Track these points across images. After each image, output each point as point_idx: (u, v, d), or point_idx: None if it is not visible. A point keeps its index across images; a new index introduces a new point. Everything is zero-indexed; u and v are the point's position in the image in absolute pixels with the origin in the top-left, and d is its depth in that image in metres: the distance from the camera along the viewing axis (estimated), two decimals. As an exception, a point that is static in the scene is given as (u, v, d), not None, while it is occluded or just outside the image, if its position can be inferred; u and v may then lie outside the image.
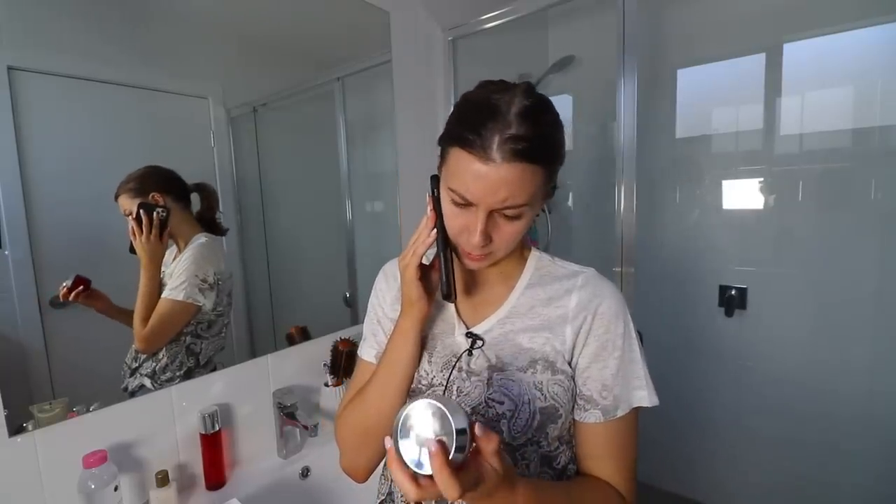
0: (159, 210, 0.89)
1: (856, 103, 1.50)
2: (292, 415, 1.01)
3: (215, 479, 0.93)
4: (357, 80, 1.33)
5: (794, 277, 1.62)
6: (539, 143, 0.49)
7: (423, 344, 0.63)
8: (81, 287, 0.80)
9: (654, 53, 1.80)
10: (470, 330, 0.62)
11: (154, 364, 0.91)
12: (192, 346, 0.96)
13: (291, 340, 1.15)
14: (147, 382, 0.90)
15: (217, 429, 0.92)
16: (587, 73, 1.93)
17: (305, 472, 1.02)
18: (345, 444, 0.66)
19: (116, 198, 0.85)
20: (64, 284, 0.79)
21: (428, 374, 0.62)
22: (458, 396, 0.59)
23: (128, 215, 0.86)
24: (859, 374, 1.53)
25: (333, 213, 1.34)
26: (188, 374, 0.95)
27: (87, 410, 0.81)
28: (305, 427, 0.98)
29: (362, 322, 1.32)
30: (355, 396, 0.65)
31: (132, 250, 0.87)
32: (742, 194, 1.70)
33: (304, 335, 1.18)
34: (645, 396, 0.59)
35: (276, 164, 1.15)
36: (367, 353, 0.70)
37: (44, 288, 0.77)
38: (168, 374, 0.92)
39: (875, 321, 1.50)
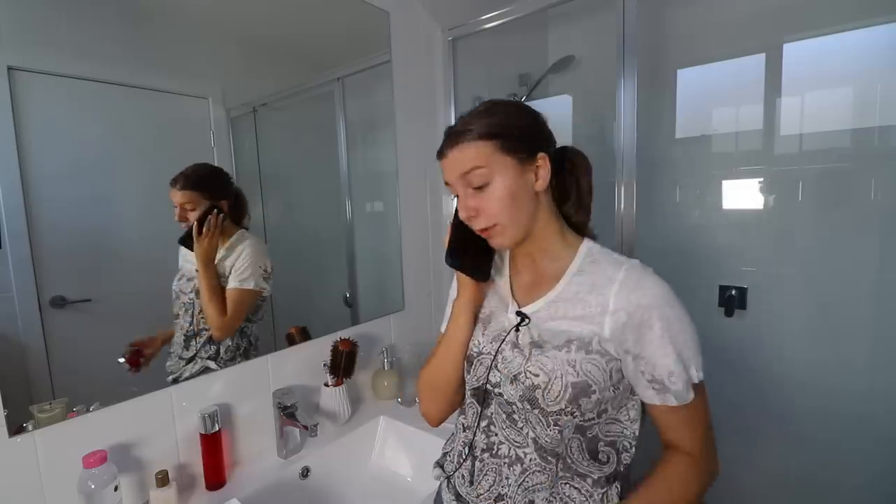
0: (223, 214, 0.98)
1: (855, 103, 1.50)
2: (292, 415, 1.01)
3: (215, 479, 0.93)
4: (357, 80, 1.33)
5: (794, 277, 1.62)
6: (472, 125, 0.64)
7: (477, 318, 0.76)
8: (141, 357, 0.88)
9: (654, 53, 1.80)
10: (520, 309, 0.70)
11: (216, 347, 1.00)
12: (245, 329, 1.06)
13: (291, 340, 1.15)
14: (211, 364, 0.99)
15: (217, 429, 0.92)
16: (587, 73, 1.93)
17: (305, 472, 1.02)
18: (421, 396, 0.81)
19: (177, 186, 0.93)
20: (122, 360, 0.87)
21: (479, 344, 0.73)
22: (502, 364, 0.69)
23: (187, 208, 0.94)
24: (859, 373, 1.53)
25: (333, 213, 1.34)
26: (246, 355, 1.05)
27: (87, 410, 0.81)
28: (305, 427, 0.98)
29: (362, 322, 1.33)
30: (429, 359, 0.79)
31: (184, 243, 0.95)
32: (742, 194, 1.70)
33: (304, 335, 1.18)
34: (700, 374, 0.64)
35: (276, 164, 1.15)
36: (443, 325, 0.81)
37: (44, 288, 0.77)
38: (230, 355, 1.02)
39: (875, 321, 1.50)
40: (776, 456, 1.69)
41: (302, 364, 1.15)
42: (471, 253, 0.70)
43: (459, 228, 0.70)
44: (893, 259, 1.45)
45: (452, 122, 1.57)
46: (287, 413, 1.01)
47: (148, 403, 0.88)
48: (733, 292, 1.71)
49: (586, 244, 0.71)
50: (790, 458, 1.66)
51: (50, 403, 0.77)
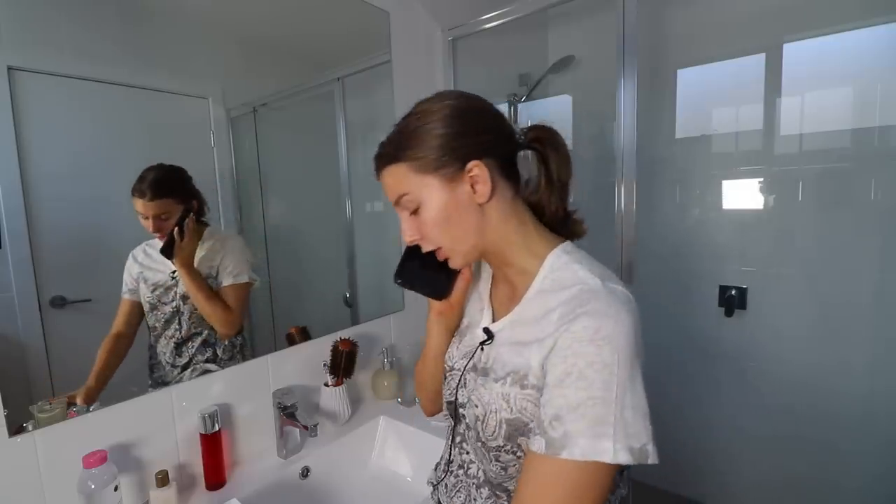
0: (192, 214, 0.95)
1: (855, 103, 1.50)
2: (292, 415, 1.01)
3: (215, 479, 0.93)
4: (357, 80, 1.33)
5: (794, 277, 1.62)
6: (387, 146, 0.60)
7: (456, 328, 0.73)
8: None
9: (654, 53, 1.80)
10: (488, 326, 0.64)
11: (212, 349, 0.99)
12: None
13: (291, 340, 1.15)
14: (211, 367, 0.99)
15: (217, 429, 0.92)
16: (587, 73, 1.93)
17: (305, 472, 1.02)
18: (415, 389, 0.81)
19: (146, 197, 0.88)
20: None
21: (452, 358, 0.70)
22: (464, 388, 0.65)
23: (162, 218, 0.90)
24: (859, 373, 1.53)
25: (333, 213, 1.34)
26: (243, 352, 1.05)
27: (87, 410, 0.81)
28: (305, 427, 0.98)
29: (362, 322, 1.33)
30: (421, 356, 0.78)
31: (167, 252, 0.91)
32: (742, 194, 1.70)
33: (304, 335, 1.18)
34: (608, 450, 0.46)
35: (277, 164, 1.15)
36: None
37: (44, 288, 0.77)
38: (229, 354, 1.02)
39: (875, 321, 1.50)
40: (776, 457, 1.69)
41: (302, 364, 1.15)
42: (428, 269, 0.65)
43: (412, 247, 0.65)
44: (893, 259, 1.45)
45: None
46: (287, 413, 1.01)
47: (148, 403, 0.88)
48: (733, 292, 1.71)
49: (553, 255, 0.59)
50: (790, 459, 1.66)
51: (50, 403, 0.77)
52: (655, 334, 1.48)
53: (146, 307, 0.92)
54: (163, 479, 0.82)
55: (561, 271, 0.58)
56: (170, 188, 0.91)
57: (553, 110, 2.01)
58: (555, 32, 2.09)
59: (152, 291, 0.92)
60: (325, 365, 1.14)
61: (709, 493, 1.84)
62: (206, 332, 0.98)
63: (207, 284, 0.98)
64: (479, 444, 0.60)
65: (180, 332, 0.95)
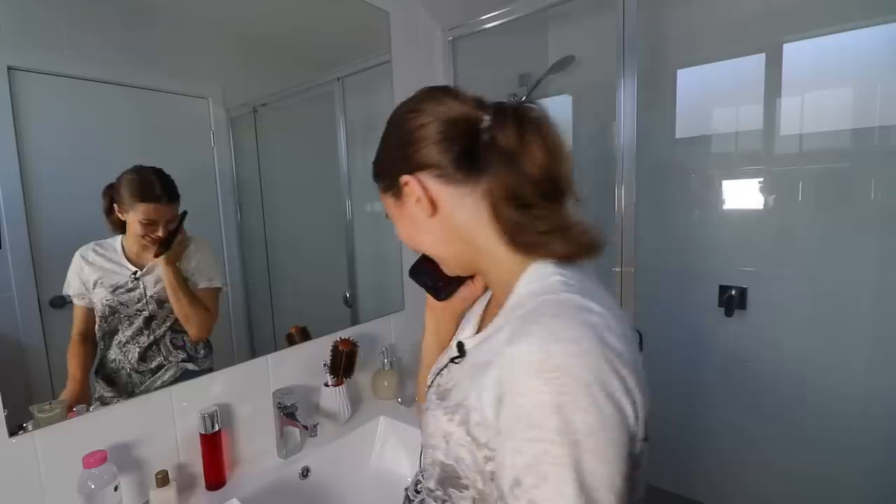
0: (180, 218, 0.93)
1: (855, 103, 1.50)
2: (292, 415, 1.01)
3: (215, 479, 0.93)
4: (357, 80, 1.33)
5: (794, 277, 1.62)
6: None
7: (447, 339, 0.67)
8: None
9: (654, 53, 1.80)
10: (461, 339, 0.56)
11: (186, 350, 0.96)
12: None
13: (291, 340, 1.15)
14: (190, 366, 0.96)
15: (217, 429, 0.92)
16: (587, 73, 1.93)
17: (305, 472, 1.01)
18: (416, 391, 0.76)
19: (162, 201, 0.88)
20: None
21: (431, 374, 0.63)
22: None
23: (169, 224, 0.89)
24: (859, 373, 1.53)
25: (333, 213, 1.34)
26: (210, 349, 1.02)
27: (87, 410, 0.81)
28: (305, 427, 0.98)
29: (362, 322, 1.33)
30: None
31: (163, 253, 0.90)
32: (742, 194, 1.71)
33: (304, 335, 1.18)
34: None
35: (276, 164, 1.14)
36: None
37: (44, 288, 0.77)
38: (204, 352, 0.99)
39: (875, 321, 1.50)
40: (776, 456, 1.69)
41: (302, 364, 1.15)
42: (439, 269, 0.63)
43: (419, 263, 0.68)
44: (893, 259, 1.45)
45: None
46: (287, 413, 1.01)
47: (148, 403, 0.88)
48: (733, 292, 1.71)
49: (537, 264, 0.48)
50: (789, 458, 1.66)
51: (50, 403, 0.77)
52: (655, 334, 1.48)
53: (103, 311, 0.85)
54: (163, 479, 0.82)
55: (538, 282, 0.47)
56: (177, 190, 0.92)
57: (553, 110, 1.99)
58: (555, 32, 2.09)
59: (112, 293, 0.86)
60: (325, 365, 1.14)
61: (709, 493, 1.84)
62: (172, 334, 0.94)
63: (185, 285, 0.95)
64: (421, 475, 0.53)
65: (150, 336, 0.90)
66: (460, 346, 0.55)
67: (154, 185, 0.88)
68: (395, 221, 0.58)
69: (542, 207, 0.48)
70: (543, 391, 0.37)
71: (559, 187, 0.48)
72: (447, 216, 0.51)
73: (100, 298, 0.84)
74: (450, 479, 0.47)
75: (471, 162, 0.49)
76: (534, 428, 0.37)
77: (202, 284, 0.99)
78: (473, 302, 0.66)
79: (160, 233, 0.89)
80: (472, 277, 0.66)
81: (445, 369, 0.56)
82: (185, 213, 0.93)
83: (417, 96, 0.54)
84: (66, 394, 0.79)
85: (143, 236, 0.88)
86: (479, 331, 0.58)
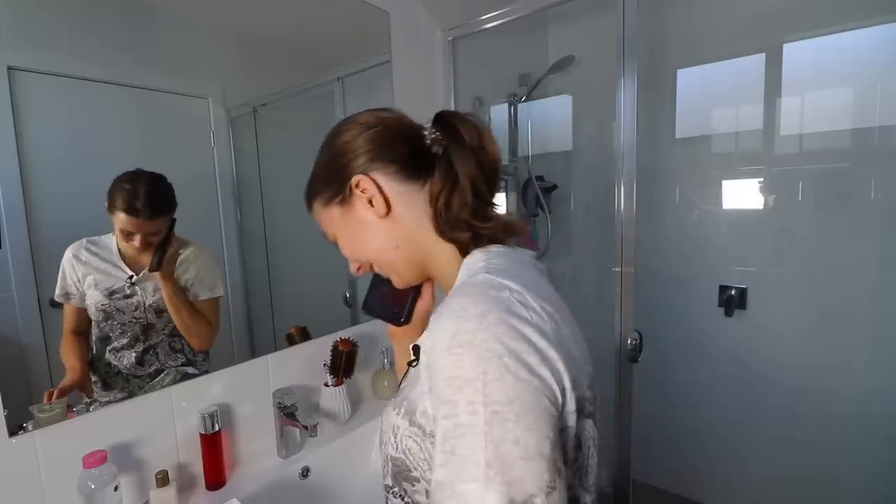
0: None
1: (855, 103, 1.50)
2: (292, 415, 1.01)
3: (215, 479, 0.93)
4: (357, 80, 1.33)
5: (793, 277, 1.62)
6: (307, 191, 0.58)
7: None
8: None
9: (654, 53, 1.80)
10: (416, 343, 0.53)
11: (182, 355, 0.94)
12: None
13: (291, 340, 1.15)
14: (190, 370, 0.95)
15: (217, 429, 0.92)
16: (587, 73, 1.93)
17: (305, 472, 1.01)
18: None
19: (142, 216, 0.83)
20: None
21: None
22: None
23: (152, 238, 0.85)
24: (858, 373, 1.53)
25: (333, 213, 1.33)
26: (206, 352, 1.00)
27: (87, 410, 0.81)
28: (305, 427, 0.98)
29: (362, 322, 1.33)
30: None
31: (156, 268, 0.87)
32: (742, 194, 1.71)
33: (304, 335, 1.18)
34: (476, 501, 0.35)
35: (277, 164, 1.14)
36: None
37: (44, 288, 0.77)
38: (202, 356, 0.98)
39: (875, 321, 1.50)
40: (775, 456, 1.69)
41: (302, 364, 1.15)
42: (388, 295, 0.65)
43: (376, 274, 0.64)
44: (893, 259, 1.46)
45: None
46: (287, 413, 1.01)
47: (148, 403, 0.88)
48: (733, 292, 1.71)
49: (472, 256, 0.51)
50: (789, 459, 1.66)
51: (50, 403, 0.77)
52: (655, 334, 1.48)
53: (97, 315, 0.83)
54: (163, 479, 0.82)
55: (466, 271, 0.50)
56: (168, 204, 0.86)
57: (553, 110, 2.01)
58: (555, 32, 2.09)
59: (108, 297, 0.83)
60: (325, 365, 1.14)
61: (709, 493, 1.84)
62: (170, 339, 0.93)
63: (184, 296, 0.92)
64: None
65: (146, 343, 0.89)
66: (416, 348, 0.55)
67: (137, 199, 0.82)
68: (338, 235, 0.58)
69: (482, 202, 0.53)
70: (454, 366, 0.38)
71: (495, 182, 0.54)
72: (398, 217, 0.53)
73: (94, 301, 0.82)
74: (401, 472, 0.47)
75: (419, 162, 0.53)
76: (447, 404, 0.38)
77: (203, 295, 0.96)
78: (429, 314, 0.64)
79: (136, 243, 0.84)
80: (420, 290, 0.64)
81: (405, 375, 0.57)
82: (174, 222, 0.88)
83: (356, 114, 0.58)
84: (66, 382, 0.79)
85: (124, 241, 0.84)
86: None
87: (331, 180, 0.55)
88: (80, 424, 0.79)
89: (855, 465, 1.54)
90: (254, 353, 1.07)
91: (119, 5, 0.85)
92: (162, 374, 0.91)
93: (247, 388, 1.04)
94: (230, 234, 1.05)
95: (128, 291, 0.86)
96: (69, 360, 0.80)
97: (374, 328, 1.36)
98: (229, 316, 1.05)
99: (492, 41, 1.65)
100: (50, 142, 0.77)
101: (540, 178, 1.91)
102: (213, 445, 0.92)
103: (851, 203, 1.52)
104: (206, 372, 0.98)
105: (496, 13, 1.42)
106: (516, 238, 0.55)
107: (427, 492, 0.45)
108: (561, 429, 0.40)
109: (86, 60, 0.81)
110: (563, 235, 2.05)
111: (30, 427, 0.74)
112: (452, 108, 1.57)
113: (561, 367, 0.40)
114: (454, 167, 0.52)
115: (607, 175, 1.29)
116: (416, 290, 0.65)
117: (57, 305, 0.79)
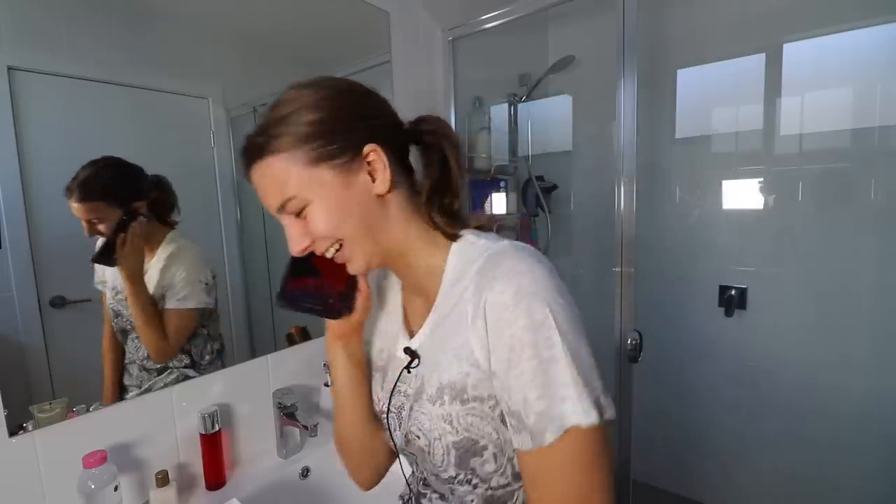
0: (142, 218, 0.84)
1: (855, 103, 1.50)
2: (292, 415, 1.01)
3: (215, 479, 0.93)
4: (357, 80, 1.33)
5: (793, 277, 1.62)
6: (261, 136, 0.48)
7: (361, 360, 0.63)
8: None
9: (654, 53, 1.80)
10: (408, 345, 0.55)
11: (187, 356, 0.94)
12: (210, 331, 0.99)
13: (291, 340, 1.15)
14: (190, 372, 0.94)
15: (217, 429, 0.92)
16: (587, 73, 1.93)
17: (305, 472, 1.02)
18: (342, 462, 0.69)
19: (73, 197, 0.76)
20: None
21: (379, 402, 0.61)
22: (398, 429, 0.57)
23: (94, 222, 0.79)
24: (858, 372, 1.53)
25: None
26: (221, 356, 1.00)
27: (87, 410, 0.81)
28: (305, 427, 0.98)
29: (362, 322, 1.33)
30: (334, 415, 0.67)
31: (100, 260, 0.81)
32: (742, 194, 1.71)
33: (304, 335, 1.18)
34: (578, 412, 0.41)
35: (276, 164, 1.14)
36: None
37: (44, 288, 0.77)
38: (208, 360, 0.97)
39: (874, 321, 1.50)
40: (776, 455, 1.69)
41: (302, 364, 1.15)
42: (319, 284, 0.56)
43: (297, 260, 0.55)
44: (893, 259, 1.46)
45: (452, 122, 1.58)
46: (287, 413, 1.01)
47: (148, 403, 0.88)
48: (733, 292, 1.71)
49: (460, 240, 0.54)
50: (790, 458, 1.66)
51: (50, 403, 0.77)
52: (655, 334, 1.48)
53: (110, 312, 0.85)
54: (163, 479, 0.82)
55: (467, 251, 0.52)
56: (104, 191, 0.80)
57: (553, 110, 2.01)
58: (555, 32, 2.09)
59: (114, 297, 0.84)
60: (325, 365, 1.14)
61: (709, 493, 1.84)
62: None
63: (150, 302, 0.86)
64: (434, 476, 0.54)
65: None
66: (409, 351, 0.55)
67: (73, 180, 0.77)
68: (320, 202, 0.48)
69: (462, 192, 0.56)
70: (525, 315, 0.44)
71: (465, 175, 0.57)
72: (392, 197, 0.52)
73: (108, 298, 0.85)
74: (468, 451, 0.49)
75: (406, 154, 0.56)
76: (527, 348, 0.43)
77: (169, 305, 0.88)
78: (367, 305, 0.60)
79: (85, 232, 0.80)
80: (356, 280, 0.58)
81: (399, 383, 0.56)
82: (125, 219, 0.82)
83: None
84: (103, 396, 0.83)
85: (88, 235, 0.81)
86: (412, 334, 0.57)
87: (335, 136, 0.47)
88: (80, 424, 0.79)
89: (855, 463, 1.54)
90: (254, 353, 1.07)
91: (119, 5, 0.85)
92: (166, 373, 0.92)
93: (247, 388, 1.04)
94: (230, 233, 1.05)
95: (121, 289, 0.86)
96: (105, 364, 0.85)
97: (374, 328, 1.36)
98: (229, 316, 1.05)
99: (492, 41, 1.65)
100: (50, 142, 0.77)
101: (540, 178, 1.91)
102: (213, 445, 0.92)
103: (851, 203, 1.52)
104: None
105: (496, 13, 1.42)
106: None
107: (495, 455, 0.49)
108: None
109: (86, 60, 0.81)
110: (563, 235, 2.05)
111: (30, 427, 0.74)
112: (452, 107, 1.57)
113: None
114: (450, 164, 0.54)
115: (607, 175, 1.29)
116: (352, 280, 0.57)
117: (57, 305, 0.79)
